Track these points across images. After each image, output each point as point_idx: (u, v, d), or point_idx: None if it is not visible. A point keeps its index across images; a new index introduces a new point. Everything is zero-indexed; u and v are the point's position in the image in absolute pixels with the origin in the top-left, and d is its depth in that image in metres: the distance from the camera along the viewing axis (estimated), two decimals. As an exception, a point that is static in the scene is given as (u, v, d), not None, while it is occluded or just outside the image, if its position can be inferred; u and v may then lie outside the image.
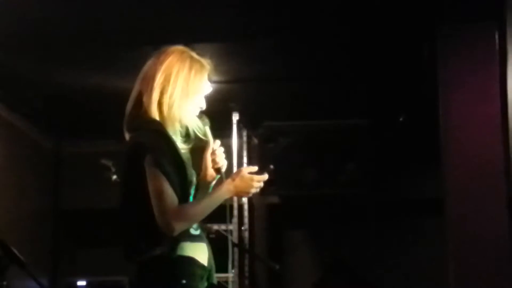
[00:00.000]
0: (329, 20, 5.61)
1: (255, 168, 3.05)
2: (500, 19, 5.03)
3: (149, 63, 3.18)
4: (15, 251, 4.15)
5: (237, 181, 3.02)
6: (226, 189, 3.02)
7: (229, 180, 3.04)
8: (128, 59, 6.26)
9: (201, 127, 3.14)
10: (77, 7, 5.28)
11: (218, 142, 3.15)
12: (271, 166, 3.15)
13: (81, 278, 7.76)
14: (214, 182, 3.17)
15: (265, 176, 3.04)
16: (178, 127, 3.08)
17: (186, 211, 2.93)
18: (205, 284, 3.04)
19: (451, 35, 5.50)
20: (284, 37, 5.88)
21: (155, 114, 3.03)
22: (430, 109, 5.96)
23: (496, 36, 5.33)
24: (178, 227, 2.90)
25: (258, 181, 3.04)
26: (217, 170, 3.13)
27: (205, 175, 3.17)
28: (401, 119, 7.40)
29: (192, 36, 5.76)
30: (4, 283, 4.12)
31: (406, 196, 8.22)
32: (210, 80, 3.20)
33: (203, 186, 3.15)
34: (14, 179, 7.53)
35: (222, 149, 3.15)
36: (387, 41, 5.97)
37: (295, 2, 5.33)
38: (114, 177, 4.63)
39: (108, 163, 4.66)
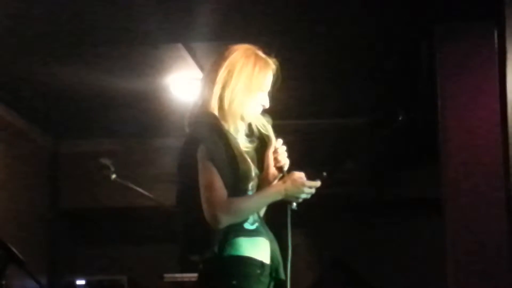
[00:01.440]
0: (327, 20, 5.61)
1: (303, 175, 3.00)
2: (499, 18, 5.03)
3: (214, 59, 3.11)
4: (14, 250, 4.15)
5: (289, 184, 2.97)
6: (277, 191, 2.97)
7: (280, 182, 2.99)
8: (127, 58, 6.29)
9: (264, 125, 3.10)
10: (76, 6, 5.28)
11: (280, 140, 3.10)
12: (324, 173, 3.05)
13: (80, 277, 7.76)
14: (275, 183, 3.10)
15: (318, 183, 3.00)
16: (239, 124, 3.05)
17: (234, 205, 2.88)
18: (267, 281, 2.96)
19: (450, 33, 5.50)
20: (283, 37, 5.87)
21: (214, 108, 2.98)
22: (429, 108, 5.96)
23: (495, 35, 5.33)
24: (225, 220, 2.84)
25: (310, 187, 2.99)
26: (279, 169, 3.07)
27: (267, 173, 3.11)
28: (400, 118, 7.39)
29: (190, 35, 5.76)
30: (3, 282, 4.12)
31: (405, 195, 8.22)
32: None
33: (265, 185, 3.09)
34: (13, 179, 7.53)
35: (284, 147, 3.09)
36: (386, 40, 5.97)
37: (292, 2, 5.33)
38: (113, 176, 4.61)
39: (107, 162, 4.64)
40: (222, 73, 3.01)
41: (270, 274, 2.98)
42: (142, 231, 8.22)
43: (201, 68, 6.42)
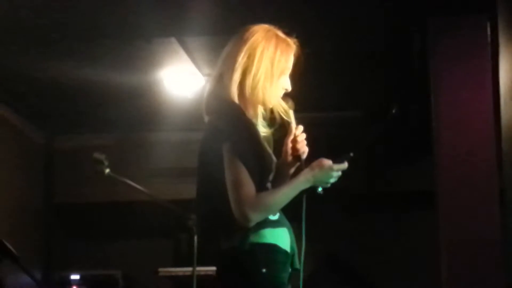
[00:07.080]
0: (320, 13, 5.61)
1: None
2: (492, 11, 5.03)
3: (232, 41, 2.97)
4: (9, 246, 4.15)
5: (317, 171, 2.84)
6: (305, 179, 2.84)
7: (307, 170, 2.85)
8: (120, 53, 6.28)
9: (286, 110, 2.97)
10: (69, 0, 5.27)
11: (300, 127, 2.97)
12: (351, 154, 2.97)
13: (74, 272, 7.75)
14: (292, 170, 2.99)
15: (345, 165, 2.86)
16: (260, 110, 2.95)
17: (263, 201, 2.78)
18: (289, 270, 2.88)
19: (443, 27, 5.51)
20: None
21: (234, 96, 2.86)
22: (422, 101, 5.96)
23: (488, 28, 5.34)
24: (255, 218, 2.75)
25: (338, 170, 2.86)
26: (297, 158, 2.94)
27: (286, 160, 2.99)
28: (393, 111, 7.40)
29: (184, 29, 5.75)
30: (-2, 277, 4.13)
31: (399, 189, 8.22)
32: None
33: (281, 173, 2.99)
34: (6, 174, 7.52)
35: (304, 135, 2.96)
36: (379, 32, 5.97)
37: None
38: (107, 170, 4.59)
39: (101, 156, 4.63)
40: (242, 58, 2.88)
41: (290, 263, 2.91)
42: (136, 226, 8.22)
43: (195, 62, 6.41)
